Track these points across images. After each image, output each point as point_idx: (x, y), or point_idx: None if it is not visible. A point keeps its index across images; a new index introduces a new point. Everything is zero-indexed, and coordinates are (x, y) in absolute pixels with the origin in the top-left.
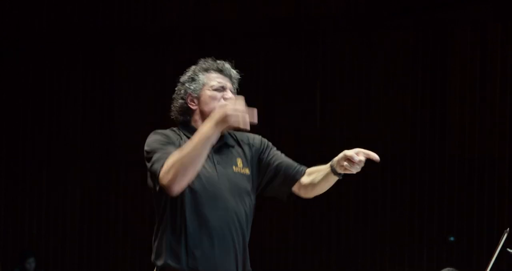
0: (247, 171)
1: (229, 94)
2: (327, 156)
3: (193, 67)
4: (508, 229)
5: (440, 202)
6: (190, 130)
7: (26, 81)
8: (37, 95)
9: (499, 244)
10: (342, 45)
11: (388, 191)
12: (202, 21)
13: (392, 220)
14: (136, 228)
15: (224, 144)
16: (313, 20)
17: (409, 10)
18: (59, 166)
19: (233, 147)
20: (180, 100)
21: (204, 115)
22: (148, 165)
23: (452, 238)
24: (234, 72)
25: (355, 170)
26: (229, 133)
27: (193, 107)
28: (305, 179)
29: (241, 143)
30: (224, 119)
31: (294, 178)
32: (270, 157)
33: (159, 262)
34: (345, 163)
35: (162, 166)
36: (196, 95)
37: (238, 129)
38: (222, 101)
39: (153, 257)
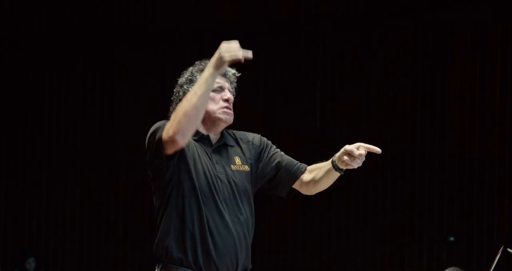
0: (246, 167)
1: (227, 94)
2: (327, 156)
3: (190, 68)
4: (503, 247)
5: (440, 202)
6: None
7: (26, 81)
8: (37, 95)
9: (494, 262)
10: (342, 45)
11: (388, 191)
12: (202, 21)
13: (392, 220)
14: (136, 228)
15: (223, 144)
16: (313, 20)
17: (409, 10)
18: (59, 166)
19: (232, 145)
20: (179, 103)
21: (203, 116)
22: (149, 141)
23: (452, 238)
24: (232, 72)
25: (356, 164)
26: (228, 133)
27: None
28: (306, 176)
29: (240, 142)
30: (219, 58)
31: (295, 175)
32: (270, 155)
33: (161, 257)
34: (346, 158)
35: (163, 129)
36: None
37: (233, 62)
38: (221, 102)
39: (154, 249)
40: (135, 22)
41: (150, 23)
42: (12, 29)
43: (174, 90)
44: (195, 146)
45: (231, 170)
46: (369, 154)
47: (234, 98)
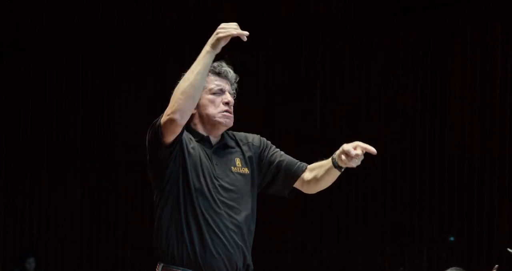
0: (246, 170)
1: (228, 97)
2: (327, 156)
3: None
4: (497, 266)
5: (440, 202)
6: (191, 132)
7: (26, 81)
8: (37, 95)
9: None
10: (342, 45)
11: (388, 191)
12: (202, 21)
13: (392, 220)
14: (136, 228)
15: (222, 145)
16: (313, 20)
17: (409, 10)
18: (59, 166)
19: (232, 147)
20: None
21: (203, 119)
22: (149, 133)
23: (452, 238)
24: (232, 74)
25: (354, 164)
26: (228, 134)
27: (192, 112)
28: (307, 175)
29: (240, 143)
30: (214, 35)
31: (296, 174)
32: (270, 155)
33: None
34: (344, 157)
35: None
36: None
37: (231, 37)
38: (222, 106)
39: (155, 248)
40: (135, 22)
41: (150, 23)
42: (12, 29)
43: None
44: (196, 146)
45: (231, 172)
46: (369, 154)
47: (234, 100)
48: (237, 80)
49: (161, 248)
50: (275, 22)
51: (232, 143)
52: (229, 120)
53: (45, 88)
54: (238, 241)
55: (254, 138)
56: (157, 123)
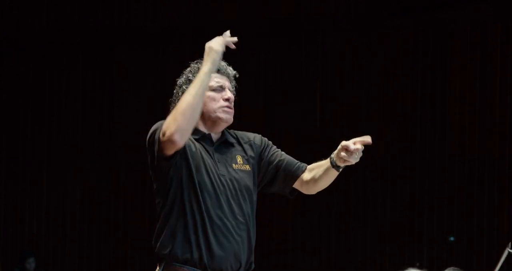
0: (247, 167)
1: (228, 94)
2: (327, 156)
3: (189, 68)
4: (510, 243)
5: (440, 202)
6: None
7: (26, 81)
8: (37, 95)
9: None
10: (342, 45)
11: (388, 191)
12: (202, 21)
13: (392, 220)
14: (136, 228)
15: (224, 142)
16: (313, 20)
17: (409, 10)
18: (59, 166)
19: (233, 144)
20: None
21: (204, 116)
22: (149, 142)
23: (452, 238)
24: (231, 70)
25: (354, 159)
26: (229, 132)
27: None
28: (306, 175)
29: (241, 141)
30: (209, 51)
31: (295, 174)
32: (271, 155)
33: (164, 255)
34: (343, 154)
35: (162, 128)
36: None
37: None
38: (222, 101)
39: (156, 247)
40: (135, 22)
41: (150, 23)
42: (12, 29)
43: (174, 91)
44: (197, 145)
45: (233, 169)
46: (369, 154)
47: (234, 97)
48: (236, 77)
49: (164, 248)
50: (275, 22)
51: (233, 140)
52: (229, 116)
53: (45, 88)
54: (242, 239)
55: (255, 137)
56: (156, 135)
